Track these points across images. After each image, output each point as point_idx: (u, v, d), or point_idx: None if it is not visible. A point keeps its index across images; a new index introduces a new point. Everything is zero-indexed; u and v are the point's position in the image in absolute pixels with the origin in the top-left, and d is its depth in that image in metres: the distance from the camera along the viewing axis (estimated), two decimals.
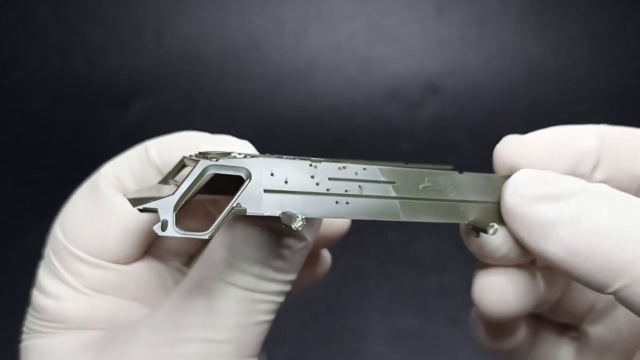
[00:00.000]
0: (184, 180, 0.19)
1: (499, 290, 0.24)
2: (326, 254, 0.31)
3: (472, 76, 0.89)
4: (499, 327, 0.26)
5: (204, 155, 0.23)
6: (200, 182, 0.20)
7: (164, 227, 0.19)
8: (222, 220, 0.20)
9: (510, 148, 0.23)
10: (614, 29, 0.91)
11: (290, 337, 0.59)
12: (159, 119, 0.86)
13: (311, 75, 0.89)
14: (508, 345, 0.27)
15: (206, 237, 0.19)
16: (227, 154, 0.23)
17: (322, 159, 0.22)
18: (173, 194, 0.19)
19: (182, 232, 0.19)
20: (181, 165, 0.24)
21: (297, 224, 0.20)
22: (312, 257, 0.30)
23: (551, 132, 0.23)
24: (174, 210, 0.19)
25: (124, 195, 0.25)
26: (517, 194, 0.21)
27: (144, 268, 0.26)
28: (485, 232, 0.22)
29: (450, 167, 0.25)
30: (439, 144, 0.82)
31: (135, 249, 0.25)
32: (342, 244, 0.29)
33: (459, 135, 0.82)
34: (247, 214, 0.20)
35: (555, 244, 0.20)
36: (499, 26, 0.91)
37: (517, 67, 0.89)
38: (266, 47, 0.90)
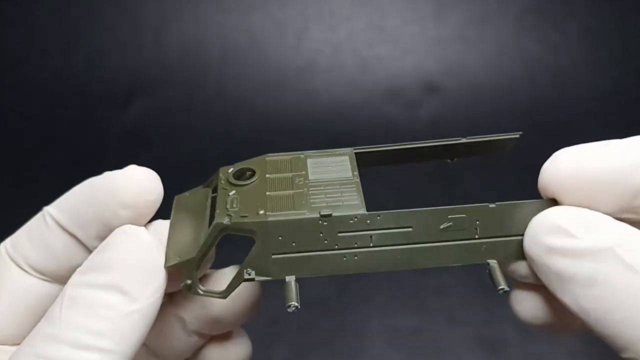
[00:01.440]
0: (203, 240, 0.22)
1: (529, 307, 0.23)
2: (242, 336, 0.28)
3: (471, 76, 0.89)
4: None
5: (238, 171, 0.24)
6: (216, 241, 0.22)
7: (189, 288, 0.22)
8: (234, 285, 0.22)
9: (553, 176, 0.21)
10: (614, 29, 0.91)
11: (290, 337, 0.59)
12: (159, 119, 0.86)
13: (311, 75, 0.89)
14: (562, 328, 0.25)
15: (224, 297, 0.22)
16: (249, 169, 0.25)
17: (332, 213, 0.21)
18: (194, 257, 0.21)
19: (204, 291, 0.22)
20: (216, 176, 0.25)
21: (290, 310, 0.21)
22: (222, 337, 0.27)
23: (602, 161, 0.20)
24: (195, 271, 0.22)
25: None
26: (535, 243, 0.20)
27: None
28: (495, 289, 0.22)
29: (516, 135, 0.24)
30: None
31: (26, 327, 0.22)
32: None
33: (459, 134, 0.82)
34: (256, 280, 0.22)
35: (570, 298, 0.19)
36: (498, 26, 0.91)
37: (517, 66, 0.89)
38: (266, 47, 0.90)
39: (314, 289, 0.63)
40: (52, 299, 0.21)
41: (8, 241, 0.24)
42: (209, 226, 0.22)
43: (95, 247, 0.22)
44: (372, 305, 0.62)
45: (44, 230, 0.23)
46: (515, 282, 0.24)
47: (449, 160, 0.28)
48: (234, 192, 0.23)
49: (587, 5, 0.92)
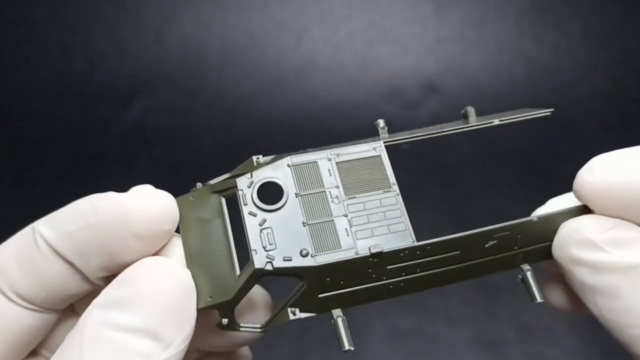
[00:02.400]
0: (240, 283, 0.19)
1: (558, 296, 0.23)
2: (246, 353, 0.26)
3: (471, 76, 0.89)
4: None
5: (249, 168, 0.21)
6: (255, 284, 0.20)
7: (224, 327, 0.20)
8: (278, 322, 0.21)
9: (587, 185, 0.20)
10: (614, 29, 0.91)
11: (290, 337, 0.59)
12: (159, 118, 0.86)
13: (311, 75, 0.89)
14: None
15: (263, 332, 0.21)
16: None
17: (382, 248, 0.20)
18: (231, 299, 0.19)
19: (242, 326, 0.21)
20: (232, 186, 0.22)
21: (345, 349, 0.20)
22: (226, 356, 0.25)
23: (637, 173, 0.20)
24: (233, 311, 0.20)
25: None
26: (564, 251, 0.21)
27: None
28: (531, 301, 0.22)
29: (549, 112, 0.24)
30: (438, 142, 0.82)
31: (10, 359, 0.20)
32: None
33: (459, 134, 0.82)
34: (302, 317, 0.21)
35: (591, 305, 0.20)
36: (498, 26, 0.91)
37: (516, 66, 0.89)
38: (266, 47, 0.90)
39: None
40: (42, 330, 0.19)
41: None
42: (242, 265, 0.20)
43: (97, 277, 0.19)
44: (372, 305, 0.62)
45: (35, 254, 0.19)
46: (547, 274, 0.24)
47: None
48: (264, 219, 0.20)
49: (588, 6, 0.92)
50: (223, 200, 0.22)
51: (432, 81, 0.89)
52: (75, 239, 0.19)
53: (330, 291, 0.21)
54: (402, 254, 0.21)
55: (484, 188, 0.74)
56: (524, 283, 0.22)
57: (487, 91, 0.88)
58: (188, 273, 0.19)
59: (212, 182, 0.23)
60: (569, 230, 0.20)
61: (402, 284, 0.21)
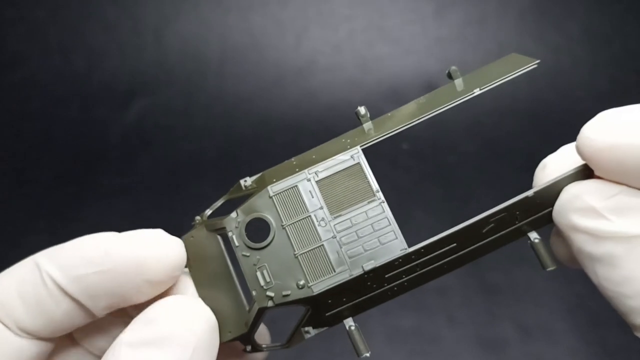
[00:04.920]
0: (250, 320, 0.21)
1: (562, 252, 0.23)
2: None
3: None
4: None
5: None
6: (263, 317, 0.22)
7: (251, 350, 0.22)
8: (297, 340, 0.22)
9: (590, 142, 0.19)
10: (614, 29, 0.91)
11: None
12: (158, 118, 0.86)
13: (311, 74, 0.89)
14: None
15: (287, 347, 0.23)
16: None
17: (375, 263, 0.21)
18: (247, 331, 0.21)
19: (265, 346, 0.23)
20: (221, 227, 0.23)
21: (363, 356, 0.22)
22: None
23: None
24: (253, 337, 0.22)
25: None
26: (562, 217, 0.20)
27: None
28: (543, 267, 0.22)
29: (535, 62, 0.24)
30: (438, 143, 0.82)
31: None
32: None
33: (459, 134, 0.82)
34: (316, 333, 0.22)
35: (590, 273, 0.20)
36: (498, 26, 0.91)
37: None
38: (266, 47, 0.90)
39: None
40: (41, 357, 0.20)
41: None
42: (247, 297, 0.22)
43: (103, 315, 0.20)
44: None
45: (42, 292, 0.20)
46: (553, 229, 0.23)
47: None
48: (257, 258, 0.21)
49: (587, 6, 0.92)
50: (219, 238, 0.23)
51: (432, 81, 0.89)
52: (85, 282, 0.20)
53: (336, 309, 0.22)
54: (397, 263, 0.21)
55: (484, 188, 0.74)
56: (533, 250, 0.22)
57: (487, 91, 0.88)
58: (210, 311, 0.20)
59: (208, 212, 0.23)
60: (569, 196, 0.20)
61: (405, 284, 0.22)
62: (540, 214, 0.22)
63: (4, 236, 0.68)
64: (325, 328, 0.22)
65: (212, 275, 0.22)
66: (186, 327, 0.19)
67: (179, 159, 0.81)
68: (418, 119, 0.23)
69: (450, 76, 0.25)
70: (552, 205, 0.21)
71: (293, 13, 0.91)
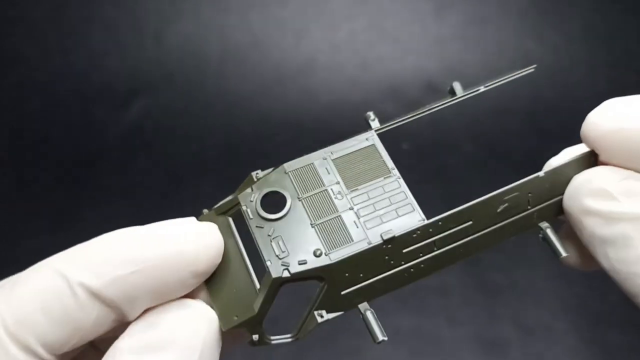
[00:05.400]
0: (262, 296, 0.20)
1: (570, 253, 0.23)
2: None
3: (471, 75, 0.89)
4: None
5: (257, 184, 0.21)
6: (276, 293, 0.20)
7: (258, 342, 0.20)
8: (309, 328, 0.21)
9: (595, 128, 0.20)
10: (614, 29, 0.91)
11: None
12: (158, 118, 0.86)
13: (311, 74, 0.89)
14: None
15: (291, 341, 0.21)
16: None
17: (394, 233, 0.20)
18: (256, 313, 0.19)
19: (274, 339, 0.21)
20: (234, 204, 0.22)
21: (379, 340, 0.21)
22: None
23: None
24: (261, 326, 0.20)
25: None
26: (574, 201, 0.20)
27: None
28: (556, 256, 0.22)
29: (532, 68, 0.24)
30: (438, 143, 0.82)
31: None
32: None
33: (459, 134, 0.82)
34: (330, 318, 0.21)
35: (601, 257, 0.20)
36: (498, 26, 0.91)
37: (517, 66, 0.89)
38: (266, 47, 0.90)
39: (314, 288, 0.63)
40: None
41: (7, 315, 0.18)
42: (261, 279, 0.20)
43: (135, 317, 0.19)
44: (372, 305, 0.62)
45: (70, 304, 0.18)
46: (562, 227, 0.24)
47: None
48: (272, 229, 0.20)
49: (587, 6, 0.92)
50: (230, 220, 0.22)
51: (432, 81, 0.89)
52: (124, 284, 0.18)
53: (352, 286, 0.21)
54: (415, 235, 0.21)
55: (484, 188, 0.74)
56: (545, 241, 0.22)
57: (487, 91, 0.88)
58: (213, 311, 0.19)
59: (217, 206, 0.23)
60: (582, 180, 0.20)
61: (422, 265, 0.21)
62: (550, 201, 0.22)
63: (4, 236, 0.68)
64: (339, 313, 0.21)
65: (224, 260, 0.21)
66: (190, 330, 0.18)
67: (179, 159, 0.81)
68: (424, 111, 0.23)
69: (451, 92, 0.25)
70: (562, 193, 0.22)
71: (293, 13, 0.91)
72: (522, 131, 0.81)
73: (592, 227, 0.20)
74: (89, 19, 0.91)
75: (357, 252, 0.20)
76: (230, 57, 0.90)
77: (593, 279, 0.62)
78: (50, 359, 0.19)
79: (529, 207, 0.22)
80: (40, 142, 0.84)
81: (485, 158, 0.79)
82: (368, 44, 0.91)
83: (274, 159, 0.24)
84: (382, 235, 0.20)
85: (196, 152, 0.82)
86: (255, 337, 0.20)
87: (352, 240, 0.20)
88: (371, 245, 0.20)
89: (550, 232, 0.22)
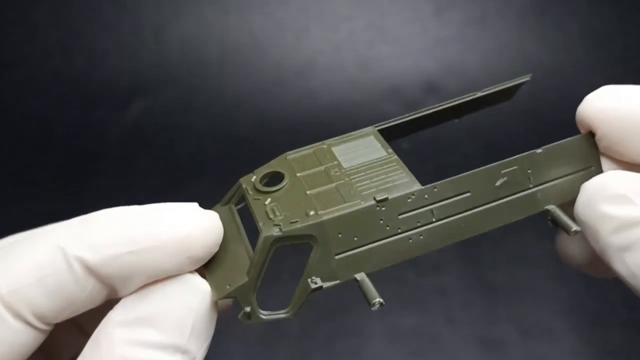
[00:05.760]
0: (254, 259, 0.19)
1: (568, 252, 0.24)
2: None
3: (471, 75, 0.89)
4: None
5: (259, 178, 0.22)
6: (269, 256, 0.19)
7: (249, 316, 0.19)
8: (301, 299, 0.20)
9: (593, 108, 0.21)
10: (614, 29, 0.91)
11: (290, 338, 0.59)
12: (159, 118, 0.86)
13: (311, 74, 0.89)
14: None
15: (290, 316, 0.20)
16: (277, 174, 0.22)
17: (388, 196, 0.20)
18: (248, 280, 0.19)
19: (267, 314, 0.20)
20: (237, 188, 0.22)
21: (376, 307, 0.20)
22: None
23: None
24: (253, 294, 0.19)
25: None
26: (589, 209, 0.20)
27: None
28: (568, 233, 0.21)
29: (527, 78, 0.24)
30: (438, 143, 0.82)
31: None
32: None
33: (459, 134, 0.82)
34: (324, 289, 0.20)
35: (618, 264, 0.19)
36: (498, 26, 0.91)
37: (517, 66, 0.89)
38: (266, 47, 0.90)
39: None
40: (40, 343, 0.19)
41: (2, 283, 0.18)
42: (254, 244, 0.20)
43: (127, 295, 0.19)
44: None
45: (66, 277, 0.18)
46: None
47: (456, 120, 0.27)
48: (269, 200, 0.21)
49: (588, 5, 0.92)
50: (234, 208, 0.22)
51: (432, 81, 0.89)
52: (121, 263, 0.18)
53: (347, 250, 0.20)
54: (409, 200, 0.20)
55: None
56: (554, 224, 0.22)
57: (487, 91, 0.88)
58: (207, 284, 0.19)
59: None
60: (595, 187, 0.20)
61: (421, 237, 0.21)
62: (553, 182, 0.22)
63: (4, 236, 0.68)
64: (334, 282, 0.20)
65: (224, 241, 0.20)
66: (183, 303, 0.18)
67: (179, 159, 0.81)
68: (431, 109, 0.24)
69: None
70: (564, 174, 0.22)
71: (293, 13, 0.91)
72: (522, 131, 0.81)
73: (609, 233, 0.19)
74: (89, 19, 0.91)
75: (349, 211, 0.20)
76: (230, 57, 0.90)
77: (593, 279, 0.62)
78: (43, 327, 0.19)
79: (530, 186, 0.22)
80: (40, 142, 0.84)
81: (485, 158, 0.79)
82: (368, 44, 0.91)
83: (274, 159, 0.24)
84: (376, 197, 0.20)
85: (196, 152, 0.82)
86: (248, 308, 0.19)
87: (345, 203, 0.20)
88: (364, 206, 0.20)
89: (558, 211, 0.22)
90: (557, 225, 0.22)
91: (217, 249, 0.20)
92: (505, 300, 0.62)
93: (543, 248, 0.65)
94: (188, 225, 0.19)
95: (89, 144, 0.83)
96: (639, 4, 0.92)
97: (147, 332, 0.17)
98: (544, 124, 0.83)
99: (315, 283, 0.20)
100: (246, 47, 0.90)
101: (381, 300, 0.20)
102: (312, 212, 0.20)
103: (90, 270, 0.18)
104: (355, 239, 0.20)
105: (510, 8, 0.91)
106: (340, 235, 0.20)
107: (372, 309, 0.20)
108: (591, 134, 0.22)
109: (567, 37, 0.91)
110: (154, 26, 0.90)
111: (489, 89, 0.25)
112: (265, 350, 0.57)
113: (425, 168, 0.78)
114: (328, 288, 0.20)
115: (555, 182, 0.22)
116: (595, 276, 0.24)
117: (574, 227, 0.21)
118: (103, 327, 0.18)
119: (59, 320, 0.19)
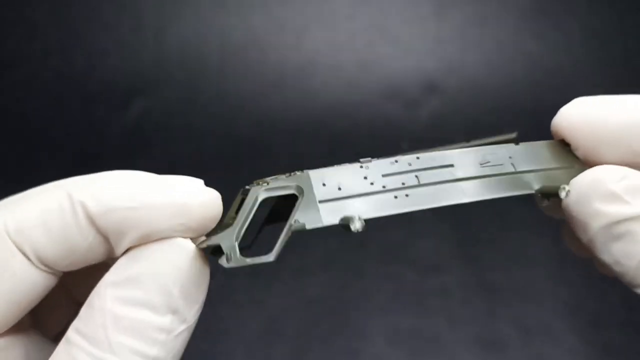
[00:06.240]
0: (239, 212, 0.20)
1: (572, 242, 0.24)
2: None
3: (471, 75, 0.89)
4: None
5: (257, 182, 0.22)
6: (254, 208, 0.20)
7: (229, 259, 0.19)
8: (283, 240, 0.19)
9: (567, 119, 0.23)
10: (614, 29, 0.91)
11: (290, 337, 0.59)
12: (158, 118, 0.86)
13: (311, 74, 0.89)
14: None
15: (272, 259, 0.19)
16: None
17: (371, 159, 0.21)
18: (231, 225, 0.19)
19: (249, 259, 0.19)
20: (240, 199, 0.22)
21: (356, 226, 0.19)
22: None
23: (616, 113, 0.22)
24: (235, 240, 0.19)
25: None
26: (582, 206, 0.21)
27: (10, 343, 0.20)
28: (558, 196, 0.22)
29: (513, 135, 0.25)
30: (438, 143, 0.82)
31: (14, 320, 0.20)
32: (342, 244, 0.29)
33: (459, 134, 0.82)
34: (307, 228, 0.20)
35: (605, 254, 0.20)
36: (498, 26, 0.91)
37: (517, 66, 0.89)
38: (266, 47, 0.90)
39: (314, 288, 0.63)
40: (46, 291, 0.19)
41: (10, 222, 0.19)
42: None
43: (119, 254, 0.19)
44: (372, 305, 0.62)
45: (70, 223, 0.19)
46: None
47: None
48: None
49: (588, 5, 0.92)
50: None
51: (432, 81, 0.89)
52: (117, 216, 0.19)
53: (332, 200, 0.20)
54: (392, 164, 0.21)
55: None
56: (542, 197, 0.23)
57: (488, 90, 0.88)
58: (203, 254, 0.20)
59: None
60: (589, 184, 0.21)
61: (407, 195, 0.21)
62: (540, 172, 0.23)
63: None
64: (318, 225, 0.20)
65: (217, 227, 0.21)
66: (169, 262, 0.18)
67: (179, 159, 0.81)
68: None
69: None
70: (544, 169, 0.23)
71: (293, 13, 0.91)
72: (522, 131, 0.81)
73: (598, 228, 0.20)
74: (89, 19, 0.91)
75: (333, 167, 0.21)
76: (230, 57, 0.90)
77: (593, 279, 0.62)
78: (44, 269, 0.19)
79: (514, 170, 0.23)
80: (40, 142, 0.84)
81: None
82: (368, 45, 0.91)
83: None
84: (360, 159, 0.21)
85: (196, 152, 0.82)
86: (229, 252, 0.19)
87: (332, 166, 0.21)
88: (348, 165, 0.21)
89: (541, 190, 0.23)
90: (547, 195, 0.22)
91: (212, 225, 0.20)
92: (505, 300, 0.62)
93: (543, 248, 0.65)
94: (187, 195, 0.19)
95: (89, 144, 0.83)
96: (639, 4, 0.92)
97: (136, 291, 0.18)
98: (544, 124, 0.83)
99: (298, 222, 0.20)
100: (246, 47, 0.90)
101: (363, 217, 0.20)
102: (298, 173, 0.20)
103: (91, 219, 0.19)
104: (339, 189, 0.21)
105: (510, 8, 0.91)
106: (324, 185, 0.20)
107: (353, 227, 0.19)
108: (566, 143, 0.23)
109: (567, 37, 0.91)
110: (154, 26, 0.90)
111: (477, 141, 0.25)
112: (265, 349, 0.57)
113: None
114: (312, 229, 0.20)
115: (540, 172, 0.23)
116: (579, 254, 0.24)
117: (566, 187, 0.21)
118: (97, 288, 0.19)
119: (59, 267, 0.19)
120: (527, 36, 0.91)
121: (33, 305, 0.20)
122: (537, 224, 0.67)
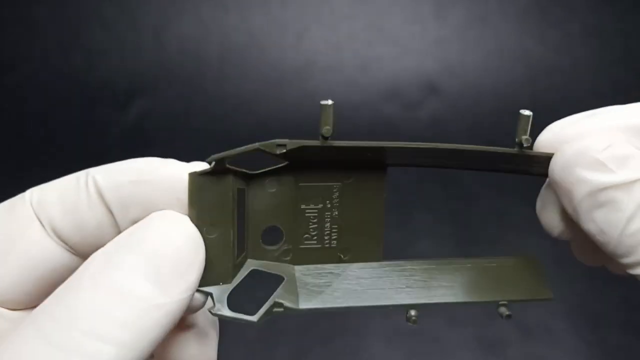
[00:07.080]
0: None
1: (547, 219, 0.25)
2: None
3: (471, 76, 0.89)
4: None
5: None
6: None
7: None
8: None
9: (542, 143, 0.24)
10: (615, 29, 0.91)
11: (290, 337, 0.59)
12: (158, 119, 0.86)
13: (311, 75, 0.89)
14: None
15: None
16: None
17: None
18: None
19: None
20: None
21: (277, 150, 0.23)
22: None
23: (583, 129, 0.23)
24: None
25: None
26: (565, 172, 0.21)
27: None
28: (522, 147, 0.24)
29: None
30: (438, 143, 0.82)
31: (32, 295, 0.20)
32: None
33: (459, 134, 0.82)
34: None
35: (589, 223, 0.20)
36: (498, 26, 0.91)
37: (517, 66, 0.89)
38: (266, 47, 0.90)
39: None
40: (69, 273, 0.19)
41: (35, 194, 0.21)
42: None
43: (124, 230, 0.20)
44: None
45: (82, 197, 0.20)
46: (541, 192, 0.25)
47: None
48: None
49: (588, 5, 0.92)
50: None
51: (432, 81, 0.89)
52: (122, 191, 0.20)
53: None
54: (368, 152, 0.23)
55: (484, 188, 0.74)
56: (520, 147, 0.24)
57: (488, 91, 0.88)
58: (195, 228, 0.20)
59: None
60: (575, 152, 0.21)
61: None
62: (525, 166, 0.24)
63: None
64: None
65: (214, 216, 0.21)
66: (160, 231, 0.19)
67: (179, 159, 0.81)
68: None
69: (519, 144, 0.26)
70: (526, 171, 0.24)
71: (293, 13, 0.91)
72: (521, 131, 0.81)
73: (582, 196, 0.20)
74: (88, 19, 0.91)
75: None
76: (230, 57, 0.90)
77: (593, 279, 0.62)
78: (58, 241, 0.20)
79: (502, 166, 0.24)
80: (40, 142, 0.84)
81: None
82: (368, 44, 0.91)
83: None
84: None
85: (196, 152, 0.82)
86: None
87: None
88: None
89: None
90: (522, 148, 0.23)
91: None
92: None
93: (543, 248, 0.65)
94: (179, 169, 0.20)
95: (89, 144, 0.83)
96: (639, 3, 0.92)
97: (121, 257, 0.18)
98: (544, 124, 0.83)
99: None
100: (246, 47, 0.90)
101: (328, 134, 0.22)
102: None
103: (100, 193, 0.20)
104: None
105: (511, 8, 0.91)
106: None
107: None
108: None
109: (567, 37, 0.91)
110: (154, 26, 0.90)
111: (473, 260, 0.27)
112: (265, 349, 0.57)
113: (425, 168, 0.78)
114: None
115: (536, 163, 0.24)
116: (564, 237, 0.25)
117: (525, 137, 0.23)
118: (92, 255, 0.19)
119: (71, 242, 0.20)
120: (527, 37, 0.91)
121: (51, 280, 0.20)
122: (537, 224, 0.67)
